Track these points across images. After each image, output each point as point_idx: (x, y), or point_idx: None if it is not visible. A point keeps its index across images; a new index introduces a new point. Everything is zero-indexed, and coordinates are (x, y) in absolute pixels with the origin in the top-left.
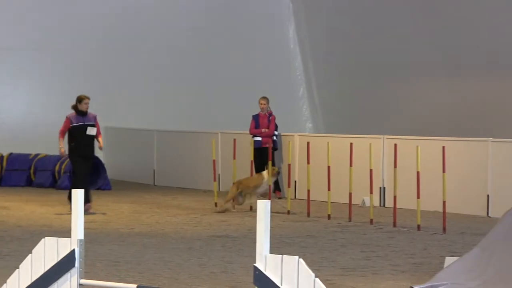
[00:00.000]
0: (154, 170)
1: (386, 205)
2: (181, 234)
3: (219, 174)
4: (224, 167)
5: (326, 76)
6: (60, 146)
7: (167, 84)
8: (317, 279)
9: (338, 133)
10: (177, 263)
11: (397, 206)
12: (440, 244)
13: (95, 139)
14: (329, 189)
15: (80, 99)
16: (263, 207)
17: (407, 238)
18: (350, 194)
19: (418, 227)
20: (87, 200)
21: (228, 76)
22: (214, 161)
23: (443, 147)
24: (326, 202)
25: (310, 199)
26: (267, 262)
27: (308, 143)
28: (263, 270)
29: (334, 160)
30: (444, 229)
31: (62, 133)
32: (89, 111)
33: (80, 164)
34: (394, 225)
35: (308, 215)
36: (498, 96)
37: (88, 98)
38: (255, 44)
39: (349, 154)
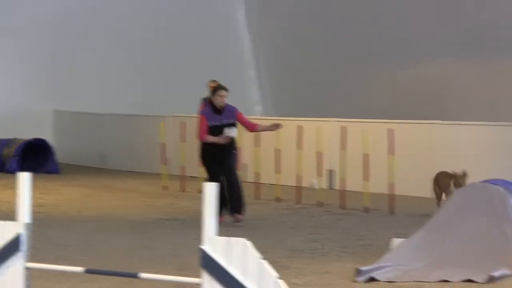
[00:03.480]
0: (103, 154)
1: (334, 188)
2: (130, 217)
3: (168, 158)
4: (173, 151)
5: (275, 59)
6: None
7: (116, 68)
8: (264, 261)
9: (287, 116)
10: (125, 246)
11: (346, 189)
12: (387, 225)
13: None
14: (278, 172)
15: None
16: (210, 189)
17: (355, 220)
18: (299, 176)
19: (366, 209)
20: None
21: (177, 59)
22: (162, 144)
23: (391, 130)
24: (275, 184)
25: (260, 182)
26: (214, 244)
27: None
28: (210, 253)
29: (283, 143)
30: (391, 211)
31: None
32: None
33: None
34: (343, 207)
35: (257, 197)
36: (445, 80)
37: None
38: (204, 27)
39: (298, 137)
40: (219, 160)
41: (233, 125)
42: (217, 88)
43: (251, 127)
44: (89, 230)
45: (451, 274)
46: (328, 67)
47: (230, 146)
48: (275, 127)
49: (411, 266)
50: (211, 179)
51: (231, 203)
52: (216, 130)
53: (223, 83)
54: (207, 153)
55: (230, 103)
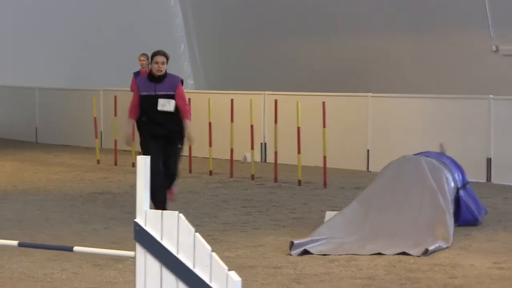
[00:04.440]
0: (36, 128)
1: (267, 161)
2: (64, 191)
3: (101, 132)
4: (105, 125)
5: (207, 33)
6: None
7: (49, 41)
8: (197, 234)
9: (219, 89)
10: (59, 220)
11: (278, 162)
12: (320, 198)
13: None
14: (210, 145)
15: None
16: (143, 163)
17: (288, 193)
18: (232, 150)
19: (299, 182)
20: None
21: (109, 32)
22: (95, 118)
23: (323, 103)
24: (208, 158)
25: (192, 155)
26: (147, 217)
27: (189, 99)
28: (143, 226)
29: (215, 117)
30: (324, 184)
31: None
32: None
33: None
34: (275, 181)
35: (190, 171)
36: (376, 52)
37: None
38: (137, 0)
39: (230, 110)
40: (158, 145)
41: (171, 97)
42: (153, 54)
43: (183, 117)
44: (23, 204)
45: (385, 247)
46: (259, 40)
47: (174, 132)
48: (189, 141)
49: (344, 239)
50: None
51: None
52: (150, 101)
53: None
54: (145, 131)
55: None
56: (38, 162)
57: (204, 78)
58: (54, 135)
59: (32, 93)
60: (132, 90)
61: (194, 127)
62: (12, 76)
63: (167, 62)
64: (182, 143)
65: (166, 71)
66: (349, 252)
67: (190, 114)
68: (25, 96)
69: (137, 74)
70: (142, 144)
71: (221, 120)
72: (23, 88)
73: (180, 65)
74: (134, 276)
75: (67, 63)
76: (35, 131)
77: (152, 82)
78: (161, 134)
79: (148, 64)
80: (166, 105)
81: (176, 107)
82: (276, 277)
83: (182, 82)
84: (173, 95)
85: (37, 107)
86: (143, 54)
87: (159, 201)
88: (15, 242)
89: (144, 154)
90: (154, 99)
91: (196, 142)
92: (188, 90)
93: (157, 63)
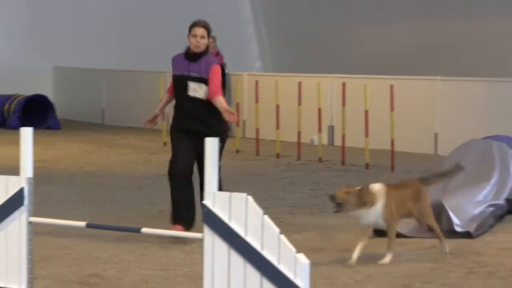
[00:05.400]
0: (102, 110)
1: (334, 144)
2: (130, 173)
3: (168, 113)
4: (171, 106)
5: (274, 14)
6: None
7: (115, 23)
8: (266, 216)
9: (287, 72)
10: (126, 201)
11: (346, 145)
12: (387, 182)
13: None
14: (277, 128)
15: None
16: (211, 144)
17: (356, 176)
18: (299, 133)
19: (367, 165)
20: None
21: (175, 15)
22: (161, 100)
23: (391, 86)
24: (275, 141)
25: (259, 138)
26: (215, 199)
27: (256, 82)
28: (211, 208)
29: (283, 99)
30: (392, 167)
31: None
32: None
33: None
34: (343, 164)
35: (257, 153)
36: (446, 35)
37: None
38: None
39: (298, 93)
40: (189, 143)
41: (202, 81)
42: (192, 24)
43: (211, 94)
44: (90, 185)
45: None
46: (328, 22)
47: (209, 128)
48: (230, 117)
49: None
50: (172, 166)
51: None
52: (181, 84)
53: (222, 40)
54: (175, 121)
55: (227, 60)
56: (104, 144)
57: (272, 61)
58: (120, 117)
59: (99, 74)
60: None
61: (261, 109)
62: (79, 58)
63: (208, 37)
64: (222, 141)
65: (207, 49)
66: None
67: (221, 90)
68: (92, 78)
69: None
70: (171, 138)
71: (289, 102)
72: (90, 70)
73: (247, 47)
74: (202, 258)
75: (134, 45)
76: (101, 113)
77: (187, 60)
78: (192, 129)
79: (215, 47)
80: (198, 90)
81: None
82: (343, 260)
83: (222, 68)
84: (206, 80)
85: (104, 89)
86: (210, 36)
87: (182, 219)
88: (83, 223)
89: (172, 152)
90: (185, 81)
91: (264, 124)
92: (255, 73)
93: (195, 36)
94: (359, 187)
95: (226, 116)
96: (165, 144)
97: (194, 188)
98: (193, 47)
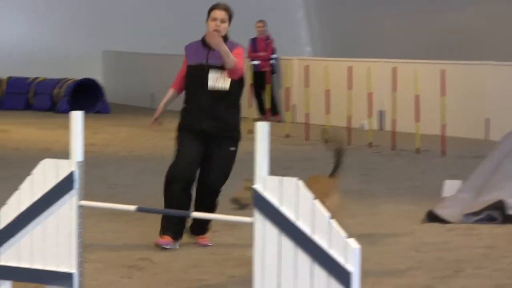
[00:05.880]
0: (152, 94)
1: (385, 129)
2: None
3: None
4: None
5: None
6: None
7: (165, 7)
8: (316, 201)
9: (337, 56)
10: None
11: (396, 130)
12: (439, 167)
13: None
14: (327, 113)
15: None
16: (262, 127)
17: (406, 161)
18: (349, 117)
19: (417, 150)
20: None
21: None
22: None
23: (443, 71)
24: (325, 125)
25: (309, 122)
26: (266, 183)
27: (306, 66)
28: (262, 192)
29: (333, 84)
30: (443, 152)
31: None
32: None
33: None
34: (393, 149)
35: (307, 138)
36: (497, 20)
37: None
38: None
39: (348, 78)
40: (197, 146)
41: (225, 70)
42: (211, 7)
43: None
44: (140, 169)
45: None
46: (379, 7)
47: (226, 127)
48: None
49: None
50: (173, 171)
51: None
52: (198, 74)
53: (272, 25)
54: (183, 120)
55: (277, 44)
56: (154, 128)
57: (322, 45)
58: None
59: (148, 59)
60: (249, 57)
61: (311, 94)
62: (129, 43)
63: (229, 22)
64: (235, 144)
65: (227, 35)
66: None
67: (242, 67)
68: (141, 63)
69: (253, 41)
70: (177, 140)
71: (339, 87)
72: (139, 54)
73: (297, 31)
74: (252, 242)
75: (183, 29)
76: (150, 97)
77: (206, 48)
78: (206, 129)
79: (265, 31)
80: (220, 80)
81: (232, 87)
82: (394, 245)
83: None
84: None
85: (153, 73)
86: (260, 21)
87: (171, 230)
88: (133, 207)
89: (175, 156)
90: (204, 72)
91: (314, 109)
92: (305, 57)
93: (215, 19)
94: None
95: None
96: None
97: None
98: (212, 31)
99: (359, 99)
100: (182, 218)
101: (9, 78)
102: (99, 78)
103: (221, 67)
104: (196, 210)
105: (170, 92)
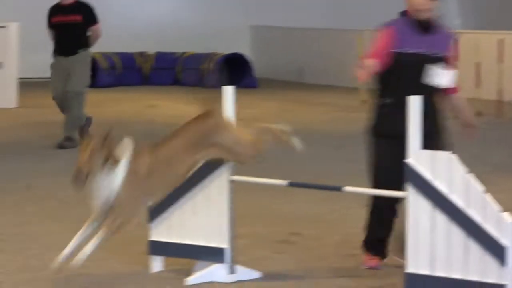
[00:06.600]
0: (300, 68)
1: None
2: (329, 131)
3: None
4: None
5: None
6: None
7: None
8: (470, 175)
9: (488, 29)
10: (325, 159)
11: None
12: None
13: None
14: (477, 86)
15: None
16: (414, 102)
17: None
18: (500, 90)
19: None
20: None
21: None
22: (360, 58)
23: None
24: (474, 99)
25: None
26: (419, 158)
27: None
28: (415, 167)
29: (483, 57)
30: None
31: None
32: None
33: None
34: None
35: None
36: None
37: None
38: None
39: (499, 51)
40: (399, 156)
41: (441, 61)
42: None
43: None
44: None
45: None
46: None
47: (436, 132)
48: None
49: None
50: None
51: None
52: (412, 67)
53: None
54: (382, 123)
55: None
56: (303, 102)
57: (473, 16)
58: (318, 75)
59: (296, 33)
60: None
61: (461, 67)
62: (277, 17)
63: None
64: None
65: (436, 18)
66: None
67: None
68: (289, 36)
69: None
70: (373, 147)
71: (489, 60)
72: (287, 28)
73: (446, 3)
74: (406, 217)
75: (329, 2)
76: (299, 71)
77: (418, 32)
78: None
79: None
80: (438, 75)
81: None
82: None
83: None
84: (445, 58)
85: (301, 47)
86: None
87: (380, 250)
88: (285, 182)
89: (374, 168)
90: (419, 63)
91: (463, 82)
92: (455, 30)
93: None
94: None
95: (465, 130)
96: (363, 102)
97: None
98: (421, 12)
99: (511, 72)
100: (388, 234)
101: (157, 54)
102: (246, 52)
103: (440, 59)
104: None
105: (373, 62)
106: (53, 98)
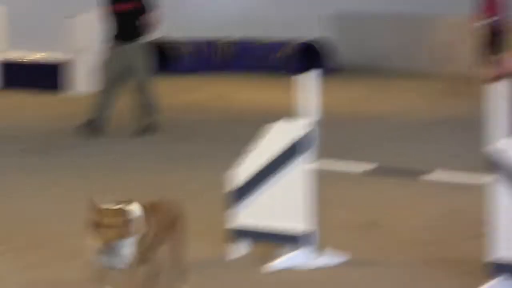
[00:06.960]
0: (384, 54)
1: None
2: (417, 117)
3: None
4: (460, 50)
5: None
6: None
7: None
8: None
9: None
10: (413, 147)
11: None
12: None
13: None
14: None
15: None
16: (501, 87)
17: None
18: None
19: None
20: None
21: None
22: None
23: None
24: None
25: None
26: (508, 144)
27: None
28: (497, 153)
29: None
30: None
31: None
32: None
33: None
34: None
35: None
36: None
37: None
38: None
39: None
40: None
41: None
42: None
43: None
44: (372, 129)
45: None
46: None
47: None
48: None
49: None
50: None
51: None
52: None
53: None
54: None
55: None
56: (385, 88)
57: None
58: (402, 61)
59: (379, 18)
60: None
61: None
62: (360, 3)
63: None
64: None
65: None
66: None
67: None
68: (372, 23)
69: None
70: None
71: None
72: (370, 14)
73: None
74: (492, 203)
75: None
76: (383, 59)
77: None
78: None
79: None
80: None
81: None
82: None
83: None
84: None
85: (386, 34)
86: None
87: None
88: (372, 166)
89: None
90: None
91: None
92: None
93: None
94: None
95: None
96: (445, 89)
97: None
98: None
99: None
100: None
101: (239, 40)
102: (329, 38)
103: None
104: None
105: None
106: (106, 81)
